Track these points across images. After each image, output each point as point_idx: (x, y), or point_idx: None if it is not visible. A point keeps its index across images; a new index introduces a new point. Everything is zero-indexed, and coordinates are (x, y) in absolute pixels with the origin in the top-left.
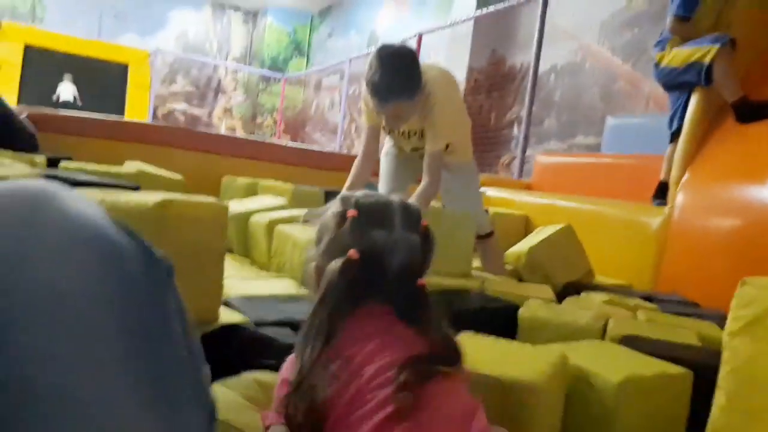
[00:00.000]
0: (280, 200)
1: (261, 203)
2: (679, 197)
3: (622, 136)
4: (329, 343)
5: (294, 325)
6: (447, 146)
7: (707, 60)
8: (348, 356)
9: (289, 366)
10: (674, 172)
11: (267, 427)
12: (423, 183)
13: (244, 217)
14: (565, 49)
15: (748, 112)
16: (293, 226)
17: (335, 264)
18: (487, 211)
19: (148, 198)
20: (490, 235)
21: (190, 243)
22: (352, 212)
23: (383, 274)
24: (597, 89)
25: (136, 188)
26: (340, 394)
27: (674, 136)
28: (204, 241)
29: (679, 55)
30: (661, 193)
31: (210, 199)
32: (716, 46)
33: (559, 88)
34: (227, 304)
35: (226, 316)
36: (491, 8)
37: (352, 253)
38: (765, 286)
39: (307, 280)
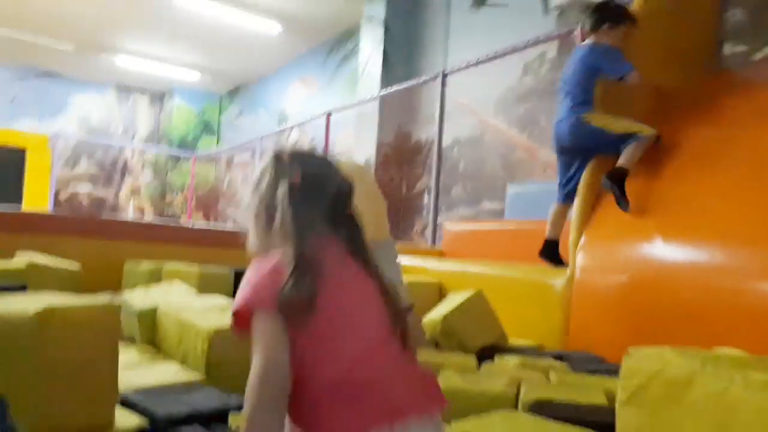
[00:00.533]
0: (183, 287)
1: (164, 290)
2: (578, 257)
3: (523, 202)
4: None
5: (203, 419)
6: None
7: (645, 133)
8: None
9: (262, 265)
10: (573, 234)
11: (248, 318)
12: None
13: (147, 309)
14: (466, 123)
15: (616, 178)
16: (197, 314)
17: (282, 188)
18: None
19: (29, 305)
20: (409, 309)
21: (77, 349)
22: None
23: (324, 197)
24: (498, 159)
25: (22, 288)
26: (324, 304)
27: (567, 198)
28: (93, 346)
29: (616, 123)
30: (547, 250)
31: (100, 300)
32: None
33: (463, 158)
34: (126, 402)
35: (124, 418)
36: (394, 88)
37: (296, 176)
38: (646, 357)
39: (253, 224)
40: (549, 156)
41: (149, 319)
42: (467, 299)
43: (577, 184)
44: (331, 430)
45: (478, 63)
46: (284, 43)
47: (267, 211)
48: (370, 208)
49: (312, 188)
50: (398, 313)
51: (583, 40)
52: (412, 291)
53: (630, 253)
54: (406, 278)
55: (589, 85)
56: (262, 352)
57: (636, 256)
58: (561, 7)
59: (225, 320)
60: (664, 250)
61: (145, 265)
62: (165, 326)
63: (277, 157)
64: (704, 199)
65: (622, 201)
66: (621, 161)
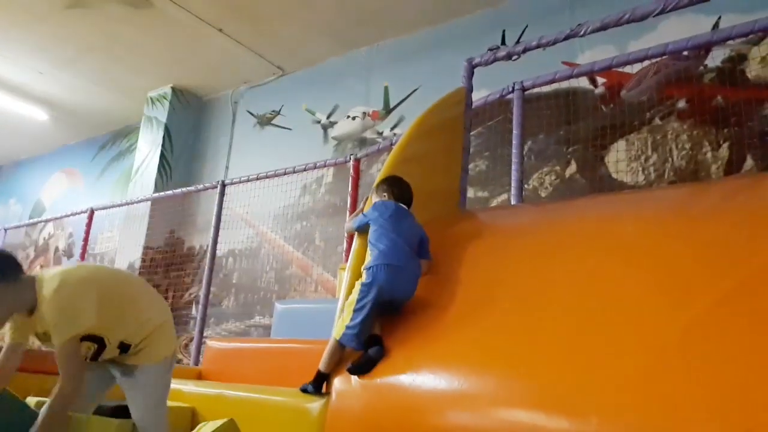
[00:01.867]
0: None
1: None
2: (336, 381)
3: (291, 320)
4: None
5: None
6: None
7: None
8: None
9: None
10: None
11: None
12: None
13: None
14: (243, 235)
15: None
16: None
17: None
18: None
19: None
20: None
21: None
22: None
23: None
24: (272, 273)
25: None
26: None
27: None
28: None
29: None
30: (317, 383)
31: None
32: None
33: (237, 270)
34: None
35: None
36: (169, 192)
37: None
38: None
39: None
40: (322, 273)
41: None
42: (216, 430)
43: None
44: None
45: (258, 178)
46: (49, 130)
47: None
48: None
49: None
50: None
51: (356, 170)
52: None
53: (386, 379)
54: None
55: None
56: None
57: (391, 381)
58: (339, 138)
59: None
60: (418, 378)
61: None
62: None
63: None
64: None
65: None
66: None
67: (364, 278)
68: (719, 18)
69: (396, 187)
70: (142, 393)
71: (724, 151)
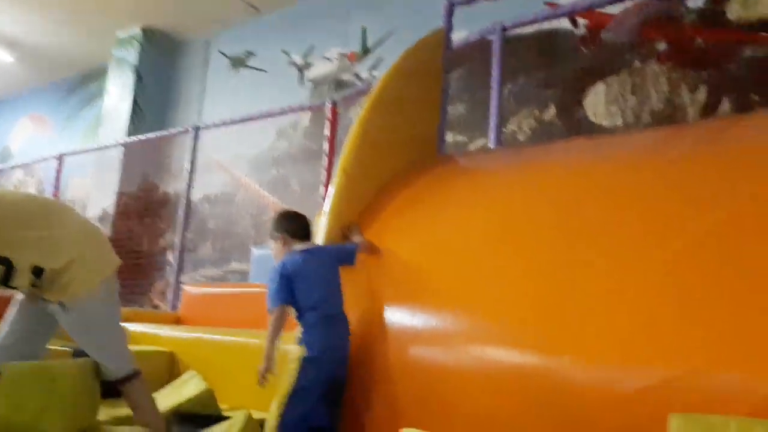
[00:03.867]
0: None
1: None
2: None
3: (268, 266)
4: None
5: None
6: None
7: None
8: None
9: None
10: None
11: None
12: None
13: None
14: (219, 181)
15: None
16: None
17: None
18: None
19: None
20: (131, 378)
21: None
22: None
23: None
24: (249, 218)
25: None
26: None
27: None
28: None
29: None
30: None
31: None
32: None
33: (213, 216)
34: None
35: None
36: (142, 137)
37: None
38: None
39: None
40: None
41: None
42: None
43: None
44: None
45: (232, 122)
46: (14, 73)
47: None
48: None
49: None
50: None
51: (334, 114)
52: (139, 361)
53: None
54: (135, 348)
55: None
56: None
57: (371, 313)
58: (315, 80)
59: None
60: (397, 314)
61: None
62: None
63: None
64: (431, 266)
65: None
66: None
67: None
68: None
69: (293, 223)
70: (84, 330)
71: (701, 94)
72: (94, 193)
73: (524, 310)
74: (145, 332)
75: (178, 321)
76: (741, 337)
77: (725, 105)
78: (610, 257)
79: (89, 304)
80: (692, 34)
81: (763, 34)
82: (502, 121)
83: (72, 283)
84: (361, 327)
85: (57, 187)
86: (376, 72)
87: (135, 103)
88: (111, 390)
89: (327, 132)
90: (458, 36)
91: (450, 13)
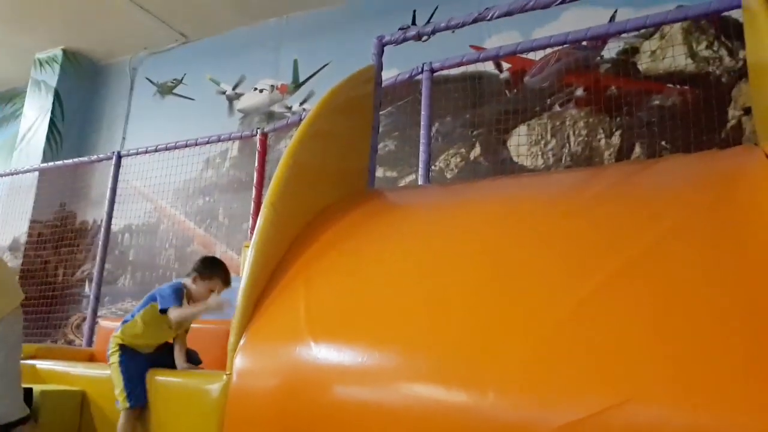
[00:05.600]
0: None
1: None
2: (237, 361)
3: None
4: None
5: None
6: None
7: None
8: None
9: None
10: (231, 338)
11: None
12: None
13: None
14: (141, 210)
15: None
16: None
17: None
18: (29, 389)
19: None
20: (20, 422)
21: None
22: None
23: None
24: (172, 250)
25: None
26: None
27: None
28: None
29: None
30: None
31: None
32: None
33: (135, 246)
34: None
35: None
36: (59, 162)
37: None
38: None
39: None
40: (225, 251)
41: None
42: None
43: None
44: None
45: (157, 150)
46: None
47: None
48: None
49: None
50: None
51: (263, 145)
52: (46, 402)
53: (288, 356)
54: (44, 387)
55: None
56: None
57: (293, 358)
58: (245, 111)
59: None
60: (320, 355)
61: None
62: None
63: None
64: (357, 302)
65: None
66: None
67: None
68: (615, 11)
69: (223, 271)
70: None
71: (616, 138)
72: (5, 221)
73: (449, 345)
74: (54, 369)
75: (92, 358)
76: (663, 366)
77: (637, 149)
78: (533, 291)
79: None
80: (607, 82)
81: (670, 85)
82: (431, 158)
83: None
84: (289, 364)
85: None
86: (307, 105)
87: (53, 125)
88: None
89: (256, 162)
90: (388, 74)
91: (381, 52)
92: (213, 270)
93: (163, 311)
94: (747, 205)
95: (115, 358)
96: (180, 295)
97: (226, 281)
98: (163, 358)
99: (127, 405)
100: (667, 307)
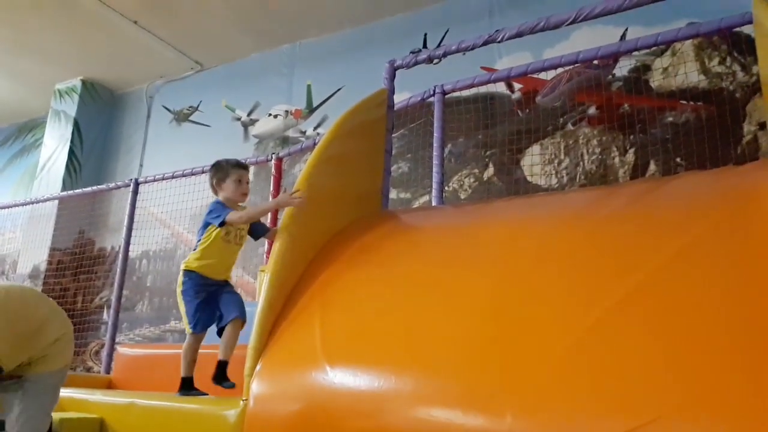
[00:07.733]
0: None
1: None
2: (253, 386)
3: None
4: None
5: None
6: None
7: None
8: None
9: None
10: (248, 363)
11: None
12: None
13: None
14: (158, 236)
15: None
16: None
17: None
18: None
19: None
20: None
21: None
22: None
23: None
24: None
25: None
26: None
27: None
28: None
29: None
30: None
31: None
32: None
33: (152, 272)
34: None
35: None
36: (78, 190)
37: None
38: None
39: None
40: (242, 276)
41: None
42: None
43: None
44: None
45: (174, 176)
46: None
47: None
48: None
49: None
50: None
51: (278, 170)
52: (66, 429)
53: (305, 382)
54: (62, 415)
55: (200, 235)
56: None
57: (311, 383)
58: (260, 136)
59: None
60: (338, 380)
61: None
62: None
63: None
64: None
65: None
66: (221, 355)
67: None
68: (626, 30)
69: (228, 162)
70: (26, 401)
71: (630, 156)
72: (26, 249)
73: (466, 369)
74: (72, 397)
75: (110, 385)
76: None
77: (652, 167)
78: (549, 313)
79: (48, 378)
80: (619, 100)
81: (682, 102)
82: (444, 179)
83: (43, 361)
84: (305, 389)
85: None
86: (321, 129)
87: (72, 154)
88: None
89: (271, 187)
90: (400, 97)
91: (392, 76)
92: (220, 169)
93: (222, 223)
94: (765, 222)
95: (180, 288)
96: (222, 205)
97: (238, 165)
98: (225, 294)
99: (191, 330)
100: (683, 328)
